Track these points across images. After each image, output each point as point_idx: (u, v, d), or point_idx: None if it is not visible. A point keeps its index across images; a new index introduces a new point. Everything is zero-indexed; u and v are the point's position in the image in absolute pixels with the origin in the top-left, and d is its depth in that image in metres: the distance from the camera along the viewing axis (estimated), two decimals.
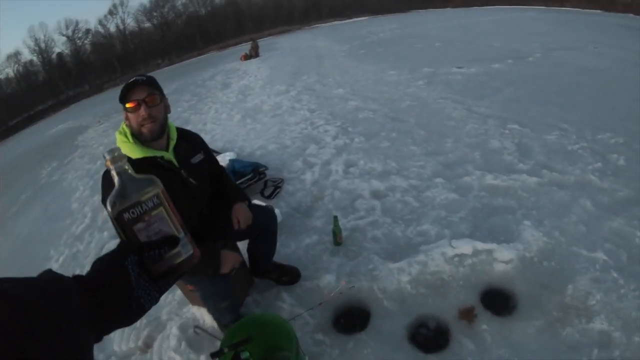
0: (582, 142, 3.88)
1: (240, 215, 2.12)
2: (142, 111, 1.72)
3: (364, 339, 2.16)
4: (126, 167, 0.77)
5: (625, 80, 5.77)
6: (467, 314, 2.14)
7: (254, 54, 18.71)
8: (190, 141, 2.06)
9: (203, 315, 2.58)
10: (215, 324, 2.43)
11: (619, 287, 2.16)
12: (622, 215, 2.75)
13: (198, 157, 2.07)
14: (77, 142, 12.77)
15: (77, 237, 4.96)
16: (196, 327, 2.52)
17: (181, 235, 0.79)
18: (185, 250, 0.79)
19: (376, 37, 15.66)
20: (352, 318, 2.32)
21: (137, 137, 1.78)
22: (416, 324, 2.17)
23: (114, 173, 0.76)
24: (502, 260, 2.40)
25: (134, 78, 1.74)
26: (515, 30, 12.39)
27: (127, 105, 1.72)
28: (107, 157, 0.76)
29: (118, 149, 0.78)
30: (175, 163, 1.90)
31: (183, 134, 2.03)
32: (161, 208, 0.78)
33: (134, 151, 1.76)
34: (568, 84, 5.72)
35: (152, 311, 2.83)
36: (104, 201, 1.60)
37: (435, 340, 2.07)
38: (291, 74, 11.13)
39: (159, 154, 1.82)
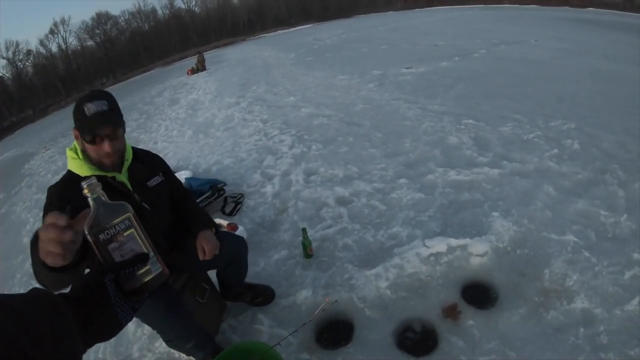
0: (536, 130, 4.00)
1: (206, 245, 1.90)
2: (107, 147, 1.60)
3: (352, 352, 2.08)
4: (100, 194, 0.87)
5: (567, 69, 6.04)
6: (451, 312, 2.12)
7: (200, 67, 18.42)
8: (147, 162, 1.91)
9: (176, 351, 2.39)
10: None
11: (592, 265, 2.23)
12: (584, 196, 2.86)
13: (155, 180, 1.92)
14: (23, 170, 12.13)
15: (31, 275, 4.59)
16: None
17: (151, 254, 0.88)
18: (155, 268, 0.88)
19: (322, 44, 15.77)
20: (335, 332, 2.23)
21: (90, 159, 1.65)
22: (402, 329, 2.12)
23: (90, 200, 0.86)
24: (477, 253, 2.41)
25: (96, 107, 1.56)
26: (458, 28, 12.84)
27: (89, 140, 1.58)
28: (85, 186, 0.86)
29: (93, 177, 0.88)
30: (128, 185, 1.76)
31: (140, 154, 1.88)
32: (132, 229, 0.87)
33: (82, 169, 1.65)
34: (515, 77, 5.91)
35: (122, 349, 2.69)
36: (44, 216, 1.49)
37: (423, 342, 2.03)
38: (240, 85, 10.99)
39: (110, 174, 1.68)
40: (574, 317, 1.94)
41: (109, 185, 1.69)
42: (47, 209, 1.57)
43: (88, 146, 1.60)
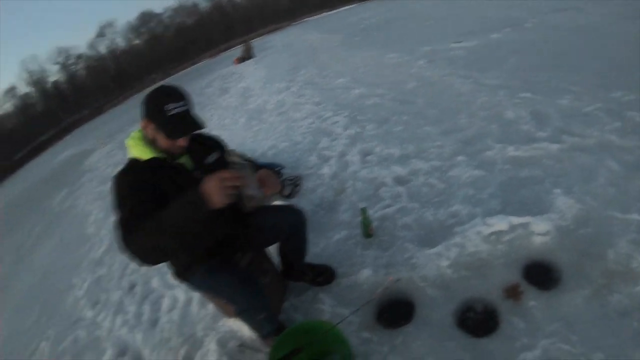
0: (596, 102, 3.72)
1: (265, 176, 1.79)
2: (182, 142, 1.71)
3: (412, 332, 2.07)
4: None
5: (621, 35, 5.61)
6: (512, 292, 2.05)
7: (247, 55, 18.60)
8: (202, 142, 1.99)
9: (241, 327, 2.49)
10: (254, 335, 2.34)
11: None
12: None
13: (213, 157, 1.98)
14: (83, 166, 12.91)
15: (97, 262, 4.94)
16: (241, 345, 2.44)
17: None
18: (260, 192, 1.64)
19: (368, 23, 15.45)
20: (396, 311, 2.23)
21: (153, 145, 1.74)
22: (463, 309, 2.09)
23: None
24: (539, 232, 2.30)
25: (177, 108, 1.63)
26: None
27: (173, 140, 1.68)
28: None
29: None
30: (188, 165, 1.83)
31: (196, 135, 1.94)
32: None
33: (144, 153, 1.73)
34: (570, 46, 5.56)
35: (187, 328, 2.83)
36: (120, 204, 1.58)
37: (485, 323, 1.98)
38: (289, 70, 11.03)
39: (167, 156, 1.76)
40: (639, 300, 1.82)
41: (169, 167, 1.76)
42: (122, 196, 1.61)
43: (162, 139, 1.68)
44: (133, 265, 4.29)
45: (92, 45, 56.10)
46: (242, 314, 2.08)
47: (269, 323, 2.11)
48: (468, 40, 7.41)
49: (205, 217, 1.36)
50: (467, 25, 8.80)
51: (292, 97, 7.87)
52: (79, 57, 55.94)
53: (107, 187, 8.16)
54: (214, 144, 2.07)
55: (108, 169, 10.32)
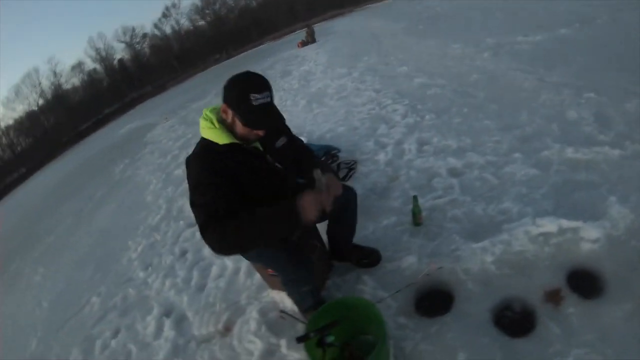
0: None
1: (332, 185, 1.83)
2: (262, 132, 1.78)
3: (448, 322, 2.13)
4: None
5: None
6: (553, 296, 2.05)
7: (310, 40, 18.68)
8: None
9: (283, 300, 2.65)
10: (295, 308, 2.47)
11: None
12: None
13: (282, 141, 2.06)
14: (145, 139, 13.50)
15: (153, 228, 5.29)
16: (282, 311, 2.57)
17: None
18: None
19: (433, 12, 15.03)
20: (434, 301, 2.29)
21: (231, 130, 1.81)
22: (501, 307, 2.12)
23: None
24: (589, 239, 2.25)
25: (262, 99, 1.69)
26: None
27: (254, 130, 1.74)
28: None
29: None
30: (260, 148, 1.93)
31: None
32: None
33: (221, 137, 1.78)
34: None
35: (231, 295, 3.02)
36: (201, 191, 1.70)
37: (521, 323, 2.00)
38: (351, 56, 11.02)
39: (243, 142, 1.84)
40: None
41: (243, 150, 1.84)
42: (199, 181, 1.73)
43: (241, 126, 1.74)
44: (187, 233, 4.59)
45: (157, 25, 57.99)
46: (288, 284, 2.22)
47: (311, 297, 2.23)
48: (535, 34, 7.13)
49: (294, 229, 1.55)
50: (537, 19, 8.41)
51: (353, 82, 7.91)
52: (144, 36, 58.07)
53: (167, 160, 8.67)
54: (283, 128, 2.14)
55: (169, 142, 10.80)
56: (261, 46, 40.97)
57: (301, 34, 21.07)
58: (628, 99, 3.85)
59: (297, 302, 2.41)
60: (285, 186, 2.05)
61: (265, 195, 1.89)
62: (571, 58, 5.42)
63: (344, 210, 2.35)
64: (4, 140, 51.25)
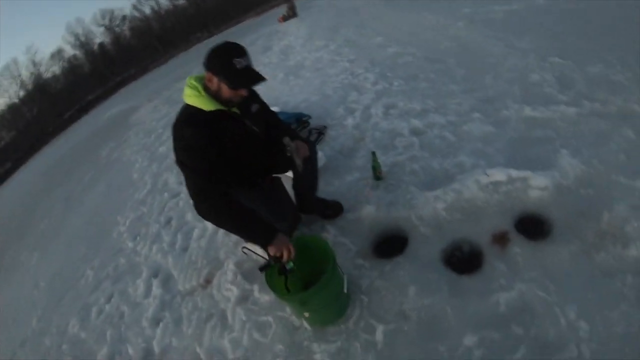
0: (627, 72, 3.59)
1: (301, 146, 2.24)
2: (244, 92, 1.97)
3: (401, 262, 2.30)
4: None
5: None
6: (500, 238, 2.19)
7: (291, 14, 18.47)
8: (250, 95, 2.23)
9: (256, 250, 2.79)
10: (265, 254, 2.64)
11: None
12: None
13: (255, 107, 2.27)
14: (130, 121, 13.42)
15: (140, 202, 5.40)
16: (244, 247, 2.81)
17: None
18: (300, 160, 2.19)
19: None
20: (390, 244, 2.46)
21: (215, 97, 1.97)
22: (451, 248, 2.27)
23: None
24: (537, 187, 2.39)
25: (244, 62, 1.89)
26: None
27: (233, 87, 1.90)
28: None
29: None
30: (238, 112, 2.11)
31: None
32: None
33: (208, 104, 1.96)
34: (615, 16, 5.33)
35: (211, 252, 3.22)
36: (189, 156, 1.92)
37: (468, 262, 2.15)
38: (330, 28, 11.00)
39: (226, 107, 2.02)
40: (626, 263, 1.87)
41: (227, 115, 2.04)
42: (189, 144, 1.93)
43: (227, 89, 1.91)
44: (171, 204, 4.73)
45: (136, 7, 56.57)
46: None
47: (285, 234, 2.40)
48: (512, 3, 7.19)
49: (259, 244, 2.01)
50: None
51: (330, 54, 7.95)
52: (124, 18, 56.66)
53: (151, 139, 8.69)
54: (255, 95, 2.35)
55: (153, 122, 10.79)
56: (244, 22, 40.37)
57: (283, 9, 20.81)
58: (592, 62, 3.95)
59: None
60: (262, 147, 2.29)
61: (245, 156, 2.19)
62: (543, 26, 5.50)
63: (307, 163, 2.49)
64: None
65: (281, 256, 1.88)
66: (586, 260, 1.94)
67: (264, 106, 2.40)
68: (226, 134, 2.03)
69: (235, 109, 2.09)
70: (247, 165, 2.24)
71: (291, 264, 1.95)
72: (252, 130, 2.19)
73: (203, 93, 1.95)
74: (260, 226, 1.94)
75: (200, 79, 2.00)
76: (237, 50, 1.91)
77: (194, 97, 1.96)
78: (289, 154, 2.21)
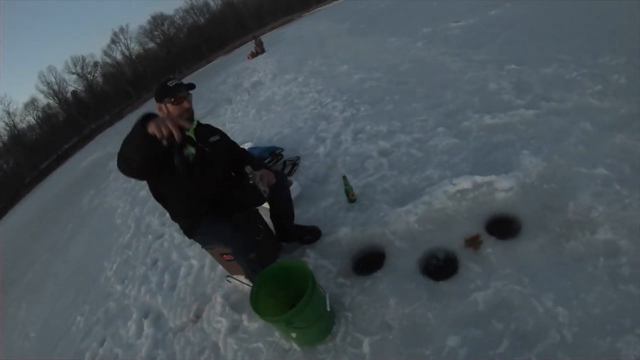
0: (581, 69, 3.82)
1: (266, 175, 2.48)
2: (186, 104, 2.31)
3: (380, 277, 2.38)
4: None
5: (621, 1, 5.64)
6: (472, 242, 2.28)
7: (259, 50, 18.95)
8: (208, 128, 2.63)
9: (239, 278, 2.85)
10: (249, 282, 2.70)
11: (622, 197, 2.14)
12: (624, 130, 2.67)
13: (215, 138, 2.56)
14: (108, 167, 13.44)
15: (125, 246, 5.42)
16: (227, 276, 2.94)
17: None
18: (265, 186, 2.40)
19: (376, 8, 15.52)
20: (369, 261, 2.56)
21: None
22: (426, 257, 2.36)
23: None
24: (503, 188, 2.50)
25: (174, 81, 2.31)
26: None
27: (173, 99, 2.26)
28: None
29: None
30: (194, 138, 2.40)
31: (204, 124, 2.61)
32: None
33: None
34: (566, 16, 5.62)
35: (199, 288, 3.27)
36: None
37: (444, 268, 2.24)
38: (297, 61, 11.32)
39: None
40: (596, 247, 1.95)
41: (184, 137, 2.25)
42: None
43: (171, 107, 2.27)
44: (156, 245, 4.78)
45: (106, 52, 57.22)
46: (237, 254, 2.50)
47: (259, 265, 2.44)
48: (467, 18, 7.54)
49: (144, 141, 1.81)
50: (470, 4, 8.87)
51: (298, 87, 8.18)
52: (95, 64, 57.15)
53: (132, 184, 8.74)
54: (217, 131, 2.66)
55: None
56: (214, 62, 41.00)
57: (251, 46, 21.29)
58: (547, 64, 4.16)
59: (247, 275, 2.66)
60: (211, 167, 2.45)
61: (198, 178, 2.36)
62: (498, 36, 5.79)
63: (279, 193, 2.70)
64: None
65: (162, 134, 1.70)
66: (557, 250, 2.03)
67: (224, 137, 2.66)
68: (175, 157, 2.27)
69: (191, 134, 2.38)
70: (201, 188, 2.40)
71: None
72: (203, 151, 2.40)
73: None
74: (136, 126, 1.85)
75: None
76: (168, 78, 2.33)
77: None
78: (251, 182, 2.42)
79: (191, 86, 2.36)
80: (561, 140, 2.84)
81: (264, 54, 18.30)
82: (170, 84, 2.29)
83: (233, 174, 2.66)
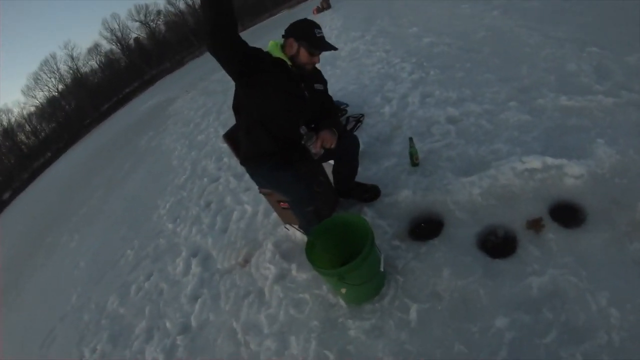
0: None
1: (326, 135, 2.34)
2: (317, 59, 2.27)
3: (436, 245, 2.34)
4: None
5: None
6: (535, 224, 2.19)
7: (325, 6, 18.39)
8: (318, 75, 2.53)
9: (294, 233, 2.93)
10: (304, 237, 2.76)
11: None
12: None
13: (319, 86, 2.49)
14: (168, 112, 13.70)
15: (180, 187, 5.60)
16: (286, 225, 2.95)
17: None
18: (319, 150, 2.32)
19: None
20: (426, 227, 2.50)
21: (291, 60, 2.26)
22: (485, 232, 2.29)
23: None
24: (573, 175, 2.36)
25: (321, 32, 2.24)
26: None
27: (316, 52, 2.23)
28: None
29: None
30: (298, 74, 2.31)
31: (317, 69, 2.50)
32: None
33: (277, 53, 2.25)
34: None
35: (250, 234, 3.32)
36: None
37: (502, 246, 2.17)
38: (365, 19, 10.90)
39: (290, 64, 2.26)
40: None
41: (287, 68, 2.26)
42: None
43: (305, 55, 2.21)
44: (210, 188, 4.87)
45: (170, 1, 57.21)
46: (294, 205, 2.48)
47: (315, 219, 2.46)
48: None
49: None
50: None
51: (365, 45, 7.91)
52: (158, 13, 57.50)
53: (190, 128, 9.03)
54: (323, 80, 2.57)
55: (191, 112, 11.06)
56: (277, 15, 40.25)
57: (317, 0, 20.68)
58: (630, 52, 3.78)
59: (303, 227, 2.69)
60: (302, 110, 2.41)
61: (286, 111, 2.30)
62: (580, 15, 5.29)
63: (345, 154, 2.64)
64: (27, 127, 52.01)
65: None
66: (619, 249, 1.91)
67: (325, 89, 2.57)
68: (279, 80, 2.22)
69: (296, 72, 2.30)
70: (284, 121, 2.32)
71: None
72: (302, 93, 2.34)
73: (279, 50, 2.25)
74: None
75: (279, 44, 2.29)
76: (317, 25, 2.24)
77: (275, 51, 2.26)
78: (303, 142, 2.35)
79: (334, 49, 2.27)
80: (638, 134, 2.60)
81: (330, 9, 17.75)
82: (318, 33, 2.21)
83: (313, 125, 2.55)
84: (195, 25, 54.73)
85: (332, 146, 2.35)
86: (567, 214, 2.20)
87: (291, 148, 2.40)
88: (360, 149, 3.36)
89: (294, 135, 2.38)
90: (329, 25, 12.58)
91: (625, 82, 3.33)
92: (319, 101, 2.48)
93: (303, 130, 2.34)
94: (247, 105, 2.25)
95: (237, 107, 2.34)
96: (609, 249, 1.93)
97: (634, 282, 1.75)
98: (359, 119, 4.24)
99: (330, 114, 2.56)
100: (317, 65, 2.39)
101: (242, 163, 2.50)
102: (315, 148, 2.31)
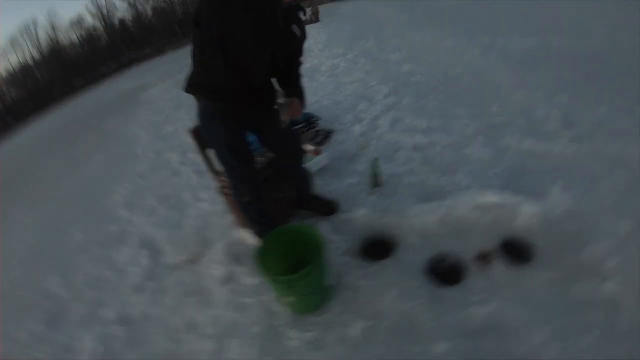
0: (633, 117, 3.59)
1: (297, 106, 2.33)
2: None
3: (386, 265, 2.39)
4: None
5: None
6: (484, 257, 2.27)
7: (314, 18, 18.66)
8: (298, 18, 2.26)
9: (247, 238, 2.92)
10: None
11: None
12: None
13: (296, 30, 2.21)
14: (140, 99, 13.50)
15: (140, 175, 5.53)
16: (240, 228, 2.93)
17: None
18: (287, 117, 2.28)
19: (438, 6, 15.03)
20: (379, 247, 2.55)
21: None
22: (436, 259, 2.34)
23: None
24: (527, 213, 2.45)
25: None
26: None
27: None
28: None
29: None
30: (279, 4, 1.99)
31: (299, 10, 2.26)
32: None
33: None
34: (634, 63, 5.39)
35: (205, 232, 3.31)
36: None
37: (450, 274, 2.23)
38: (350, 38, 11.12)
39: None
40: (599, 298, 1.91)
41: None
42: None
43: None
44: (173, 180, 4.82)
45: None
46: (230, 182, 2.51)
47: (260, 217, 2.53)
48: (530, 38, 7.24)
49: None
50: (536, 24, 8.50)
51: (347, 62, 8.08)
52: None
53: (160, 118, 8.85)
54: (303, 27, 2.32)
55: (163, 102, 10.96)
56: None
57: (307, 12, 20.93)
58: (600, 105, 3.97)
59: (249, 224, 2.73)
60: (274, 40, 2.11)
61: (253, 27, 1.93)
62: (557, 65, 5.57)
63: (292, 153, 2.73)
64: None
65: None
66: (564, 288, 1.99)
67: (302, 38, 2.34)
68: (257, 13, 1.87)
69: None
70: (249, 43, 1.97)
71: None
72: (277, 21, 2.02)
73: None
74: None
75: None
76: None
77: None
78: (276, 107, 2.30)
79: None
80: (595, 184, 2.73)
81: (318, 23, 18.02)
82: None
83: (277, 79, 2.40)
84: (183, 15, 54.22)
85: (298, 116, 2.39)
86: (517, 250, 2.29)
87: (245, 90, 2.15)
88: (325, 163, 3.42)
89: (254, 69, 2.10)
90: (314, 38, 12.73)
91: (589, 132, 3.50)
92: (291, 44, 2.27)
93: (281, 92, 2.36)
94: (208, 16, 1.87)
95: (197, 20, 1.94)
96: (553, 288, 2.01)
97: (576, 319, 1.83)
98: (328, 134, 4.28)
99: (297, 73, 2.53)
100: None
101: (186, 89, 2.18)
102: (286, 115, 2.28)
